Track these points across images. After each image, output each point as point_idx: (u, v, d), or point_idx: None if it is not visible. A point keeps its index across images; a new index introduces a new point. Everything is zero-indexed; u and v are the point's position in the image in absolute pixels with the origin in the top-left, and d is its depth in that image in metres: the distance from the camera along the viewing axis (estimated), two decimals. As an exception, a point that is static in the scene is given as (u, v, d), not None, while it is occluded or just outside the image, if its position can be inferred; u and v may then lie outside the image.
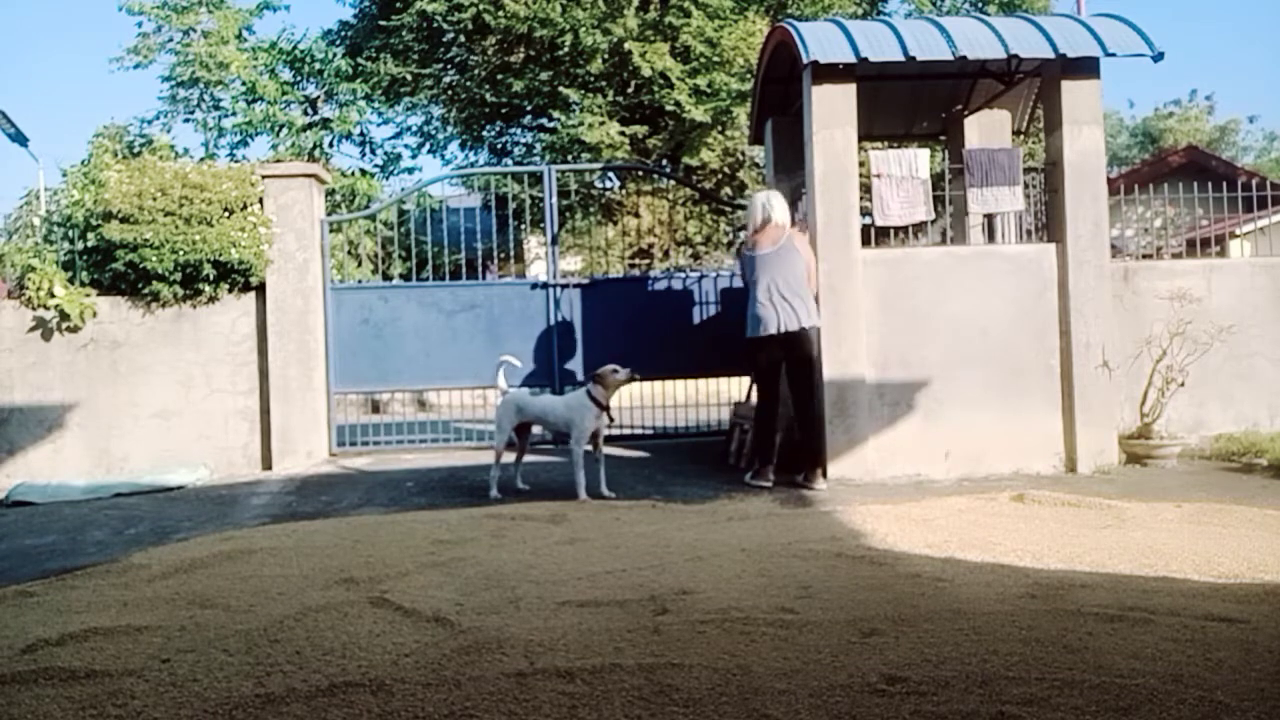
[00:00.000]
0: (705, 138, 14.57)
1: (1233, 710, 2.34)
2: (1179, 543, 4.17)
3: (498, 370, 6.40)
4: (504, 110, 16.86)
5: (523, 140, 18.37)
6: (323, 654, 2.87)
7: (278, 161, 10.22)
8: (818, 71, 6.34)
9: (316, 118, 16.77)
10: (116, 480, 7.10)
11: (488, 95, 16.05)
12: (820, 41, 6.32)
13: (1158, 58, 6.34)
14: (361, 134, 17.33)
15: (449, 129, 17.71)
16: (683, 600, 3.37)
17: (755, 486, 6.11)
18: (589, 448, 5.95)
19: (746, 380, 7.66)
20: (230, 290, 7.61)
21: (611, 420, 6.08)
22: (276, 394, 7.54)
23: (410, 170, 18.63)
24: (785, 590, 3.49)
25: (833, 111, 6.40)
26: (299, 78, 17.10)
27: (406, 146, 18.53)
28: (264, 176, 7.77)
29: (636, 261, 14.25)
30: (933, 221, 7.29)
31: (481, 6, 14.66)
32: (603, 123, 14.28)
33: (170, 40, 17.04)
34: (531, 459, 7.50)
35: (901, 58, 6.19)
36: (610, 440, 8.30)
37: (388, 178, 17.38)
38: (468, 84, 16.32)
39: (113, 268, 7.44)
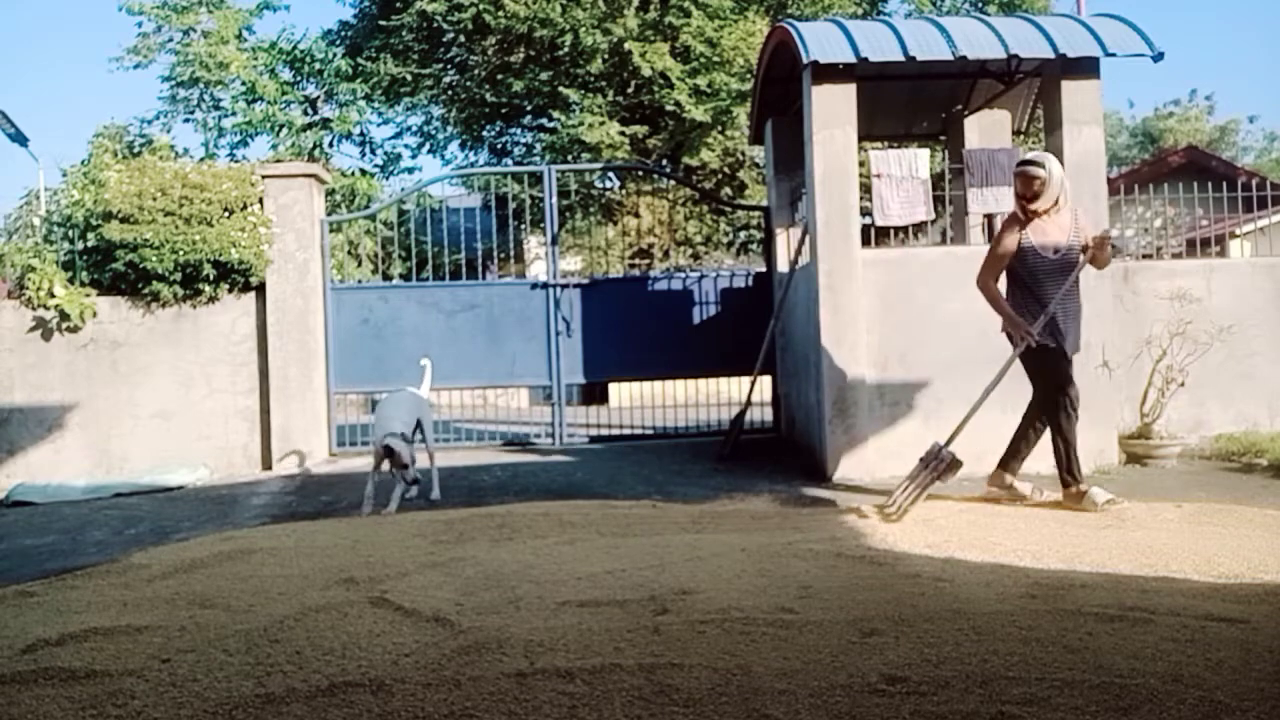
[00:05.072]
0: (705, 138, 14.55)
1: (1233, 710, 2.34)
2: (1179, 543, 4.17)
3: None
4: (504, 110, 16.84)
5: (523, 140, 18.36)
6: (323, 654, 2.87)
7: (278, 161, 10.22)
8: (818, 71, 6.34)
9: (316, 118, 16.75)
10: (116, 480, 7.10)
11: (488, 95, 16.04)
12: (820, 41, 6.32)
13: (1158, 58, 6.33)
14: (361, 134, 17.32)
15: (449, 129, 17.67)
16: (683, 600, 3.37)
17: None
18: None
19: (747, 380, 7.67)
20: (230, 290, 7.61)
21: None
22: (276, 394, 7.54)
23: (410, 170, 18.60)
24: (785, 590, 3.49)
25: (833, 111, 6.40)
26: (299, 78, 17.06)
27: (406, 146, 18.50)
28: (264, 176, 7.77)
29: (636, 261, 14.24)
30: (933, 221, 7.29)
31: (481, 6, 14.65)
32: (603, 123, 14.27)
33: (170, 40, 16.99)
34: (528, 459, 7.52)
35: (901, 58, 6.19)
36: (611, 440, 8.34)
37: (388, 178, 17.38)
38: (468, 84, 16.31)
39: (113, 268, 7.44)
